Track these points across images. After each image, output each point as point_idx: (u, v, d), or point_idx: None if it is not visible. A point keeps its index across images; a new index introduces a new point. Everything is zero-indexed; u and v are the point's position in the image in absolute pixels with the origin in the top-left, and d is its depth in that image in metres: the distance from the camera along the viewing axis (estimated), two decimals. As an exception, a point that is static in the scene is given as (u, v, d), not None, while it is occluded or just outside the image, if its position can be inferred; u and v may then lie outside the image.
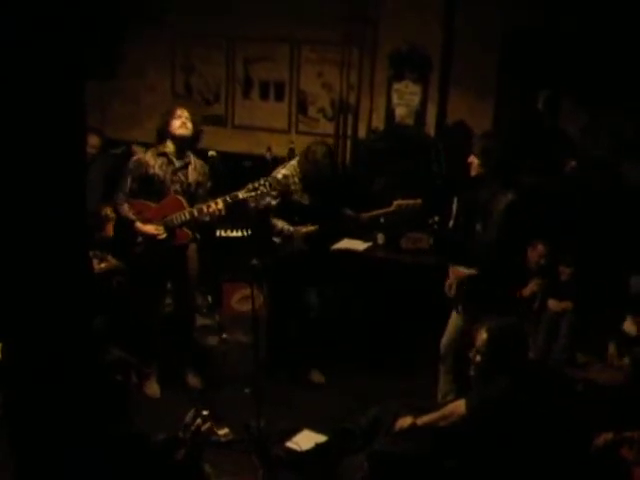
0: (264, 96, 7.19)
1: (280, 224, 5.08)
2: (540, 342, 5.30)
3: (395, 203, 5.26)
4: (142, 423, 4.10)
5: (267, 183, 4.71)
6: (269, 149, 6.91)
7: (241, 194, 4.72)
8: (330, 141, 6.59)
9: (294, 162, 5.18)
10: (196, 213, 4.72)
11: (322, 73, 6.90)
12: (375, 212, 5.35)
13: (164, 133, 4.79)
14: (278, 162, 6.66)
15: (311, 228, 5.07)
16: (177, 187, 4.79)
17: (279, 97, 7.13)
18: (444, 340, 4.68)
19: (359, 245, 6.13)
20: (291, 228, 5.08)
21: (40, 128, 2.46)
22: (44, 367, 2.60)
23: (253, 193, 4.72)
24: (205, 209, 4.69)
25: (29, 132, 2.46)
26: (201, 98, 7.40)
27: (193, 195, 4.84)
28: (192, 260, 5.01)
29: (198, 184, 4.86)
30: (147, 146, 6.60)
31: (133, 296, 5.14)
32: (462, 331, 4.49)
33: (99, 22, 6.05)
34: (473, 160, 4.45)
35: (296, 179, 5.10)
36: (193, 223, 4.81)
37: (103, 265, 5.54)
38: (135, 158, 4.87)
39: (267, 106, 7.18)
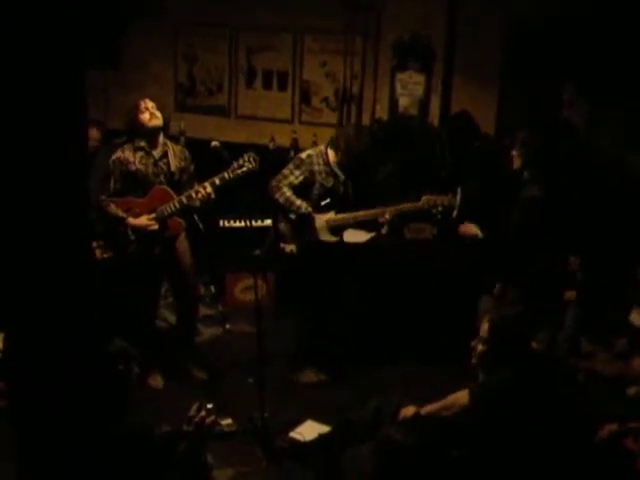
0: (267, 86, 7.16)
1: (299, 202, 5.11)
2: (544, 334, 5.28)
3: (424, 198, 5.12)
4: (146, 415, 4.12)
5: (251, 158, 4.69)
6: (272, 139, 6.89)
7: (227, 174, 4.71)
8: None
9: (322, 147, 5.25)
10: (185, 201, 4.72)
11: (325, 63, 6.87)
12: (402, 206, 5.19)
13: (135, 128, 4.75)
14: (281, 152, 6.69)
15: (331, 215, 5.10)
16: (161, 178, 4.78)
17: (282, 87, 7.10)
18: None
19: (362, 236, 6.11)
20: (310, 208, 5.11)
21: (41, 120, 2.46)
22: (46, 358, 2.60)
23: (239, 171, 4.70)
24: (194, 195, 4.69)
25: (30, 125, 2.46)
26: (204, 88, 7.38)
27: (178, 182, 4.83)
28: (184, 251, 4.98)
29: (182, 170, 4.86)
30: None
31: (130, 294, 5.07)
32: None
33: (100, 12, 6.01)
34: (514, 153, 4.69)
35: (321, 160, 5.14)
36: (184, 211, 4.80)
37: (106, 255, 5.54)
38: (114, 157, 4.81)
39: (270, 96, 7.16)
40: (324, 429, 4.40)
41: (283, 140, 6.88)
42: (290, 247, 5.22)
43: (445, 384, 4.17)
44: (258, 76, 7.17)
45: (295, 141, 6.84)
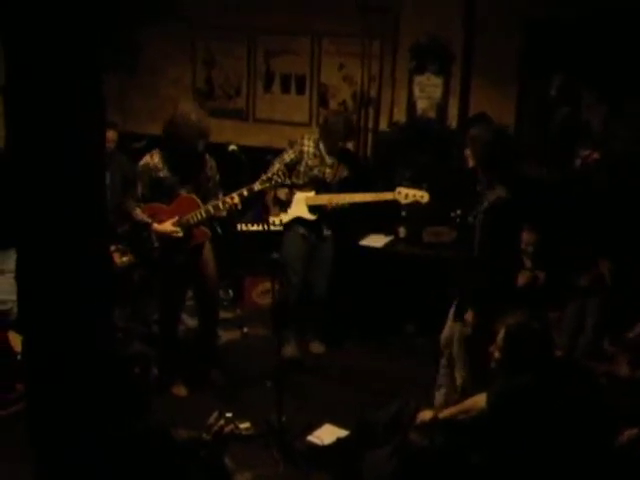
0: (285, 89, 7.16)
1: (275, 167, 5.28)
2: (565, 336, 5.25)
3: (397, 189, 5.21)
4: (165, 419, 4.12)
5: (281, 172, 4.76)
6: (291, 143, 6.89)
7: (256, 186, 4.72)
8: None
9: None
10: (212, 210, 4.69)
11: (343, 66, 6.86)
12: (376, 195, 5.30)
13: (177, 143, 4.63)
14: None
15: (312, 194, 5.34)
16: (188, 187, 4.73)
17: (300, 90, 7.10)
18: (444, 333, 4.65)
19: (380, 240, 6.12)
20: (289, 180, 5.22)
21: (59, 122, 2.47)
22: (64, 360, 2.61)
23: (268, 184, 4.73)
24: (221, 205, 4.67)
25: (48, 126, 2.47)
26: (222, 92, 7.39)
27: (204, 191, 4.79)
28: (209, 259, 4.95)
29: (207, 179, 4.82)
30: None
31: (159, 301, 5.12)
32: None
33: (118, 15, 6.05)
34: (466, 151, 4.39)
35: (312, 143, 5.45)
36: (211, 220, 4.79)
37: (125, 259, 5.57)
38: (142, 163, 4.73)
39: (288, 99, 7.16)
40: (342, 433, 4.39)
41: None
42: (273, 219, 5.47)
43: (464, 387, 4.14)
44: (276, 80, 7.18)
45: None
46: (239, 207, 4.66)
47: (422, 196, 5.16)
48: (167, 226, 4.68)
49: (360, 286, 6.07)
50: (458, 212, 6.03)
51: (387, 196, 5.22)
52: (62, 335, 2.60)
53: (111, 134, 5.78)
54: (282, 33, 6.96)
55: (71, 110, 2.47)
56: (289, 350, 5.47)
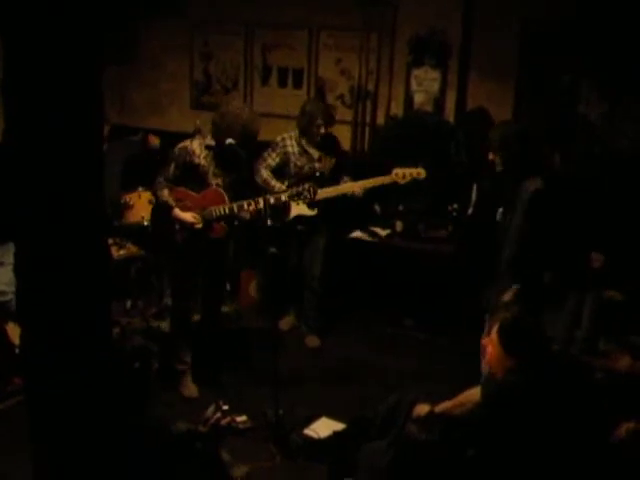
0: (282, 83, 7.16)
1: (273, 182, 5.41)
2: (562, 331, 5.26)
3: (394, 171, 5.29)
4: (162, 411, 4.13)
5: (311, 190, 4.73)
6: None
7: (284, 197, 4.74)
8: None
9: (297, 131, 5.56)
10: (236, 209, 4.67)
11: (341, 59, 6.85)
12: (372, 180, 5.38)
13: (221, 136, 4.62)
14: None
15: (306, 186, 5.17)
16: (219, 181, 4.73)
17: (297, 84, 7.09)
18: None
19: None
20: (284, 187, 5.35)
21: (57, 115, 2.46)
22: (61, 353, 2.61)
23: (296, 198, 4.73)
24: (246, 206, 4.65)
25: (47, 121, 2.46)
26: (220, 85, 7.38)
27: (235, 188, 4.78)
28: (224, 257, 4.96)
29: (240, 177, 4.81)
30: (161, 134, 6.66)
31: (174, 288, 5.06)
32: None
33: (117, 9, 6.02)
34: (493, 156, 4.39)
35: (294, 142, 5.50)
36: (231, 218, 4.77)
37: (122, 252, 5.58)
38: (181, 145, 4.73)
39: (286, 93, 7.15)
40: (338, 426, 4.40)
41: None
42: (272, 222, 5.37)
43: (460, 380, 4.15)
44: (273, 73, 7.17)
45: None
46: (262, 213, 4.59)
47: (419, 172, 5.25)
48: (187, 215, 4.69)
49: (357, 280, 6.08)
50: (455, 206, 6.04)
51: (385, 180, 5.30)
52: (60, 328, 2.60)
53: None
54: (279, 26, 6.95)
55: (70, 104, 2.47)
56: (289, 320, 5.75)
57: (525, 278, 4.31)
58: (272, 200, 4.66)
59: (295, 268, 5.73)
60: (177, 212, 4.68)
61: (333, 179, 5.51)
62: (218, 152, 4.68)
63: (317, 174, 5.49)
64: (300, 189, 4.72)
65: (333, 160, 5.60)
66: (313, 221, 5.57)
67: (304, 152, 5.50)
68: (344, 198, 5.45)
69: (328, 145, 5.64)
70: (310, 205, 5.42)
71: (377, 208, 6.20)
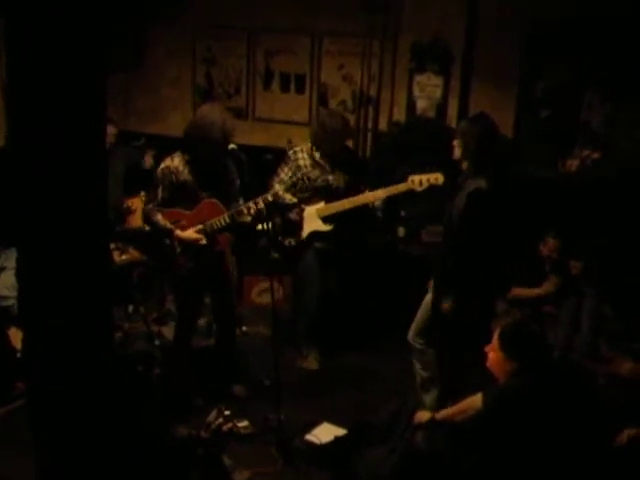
0: (285, 88, 7.17)
1: (288, 196, 5.20)
2: (561, 338, 5.26)
3: (410, 177, 4.98)
4: (165, 416, 4.12)
5: (305, 177, 4.78)
6: (290, 142, 6.88)
7: (281, 191, 4.72)
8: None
9: (309, 144, 5.33)
10: (236, 216, 4.53)
11: (343, 65, 6.87)
12: (391, 188, 5.08)
13: (199, 145, 4.46)
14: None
15: (321, 205, 5.17)
16: (210, 191, 4.55)
17: (300, 89, 7.11)
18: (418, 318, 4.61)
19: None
20: (295, 199, 5.20)
21: (61, 119, 2.47)
22: (63, 358, 2.62)
23: (293, 190, 4.72)
24: (245, 211, 4.50)
25: (50, 124, 2.47)
26: (222, 90, 7.40)
27: (227, 195, 4.63)
28: (231, 267, 4.82)
29: (229, 183, 4.67)
30: (162, 139, 6.67)
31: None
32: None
33: (122, 14, 6.05)
34: (455, 143, 4.36)
35: (306, 155, 5.27)
36: (235, 226, 4.62)
37: (124, 257, 5.58)
38: (163, 166, 4.52)
39: (288, 98, 7.17)
40: (340, 431, 4.39)
41: (300, 143, 6.85)
42: (289, 240, 5.30)
43: (462, 386, 4.15)
44: (275, 79, 7.19)
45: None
46: (264, 213, 4.47)
47: (436, 178, 4.94)
48: (191, 233, 4.51)
49: (359, 286, 6.07)
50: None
51: (401, 188, 5.00)
52: (62, 332, 2.60)
53: (110, 129, 5.75)
54: (282, 32, 6.97)
55: (73, 107, 2.48)
56: (311, 362, 5.44)
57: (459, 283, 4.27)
58: (270, 197, 4.50)
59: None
60: (179, 233, 4.51)
61: (353, 193, 5.28)
62: (202, 163, 4.51)
63: (333, 187, 5.29)
64: (294, 179, 4.69)
65: (348, 172, 5.37)
66: (329, 237, 5.34)
67: (316, 164, 5.26)
68: (364, 209, 5.30)
69: (343, 156, 5.44)
70: (325, 220, 5.24)
71: (379, 214, 6.16)
